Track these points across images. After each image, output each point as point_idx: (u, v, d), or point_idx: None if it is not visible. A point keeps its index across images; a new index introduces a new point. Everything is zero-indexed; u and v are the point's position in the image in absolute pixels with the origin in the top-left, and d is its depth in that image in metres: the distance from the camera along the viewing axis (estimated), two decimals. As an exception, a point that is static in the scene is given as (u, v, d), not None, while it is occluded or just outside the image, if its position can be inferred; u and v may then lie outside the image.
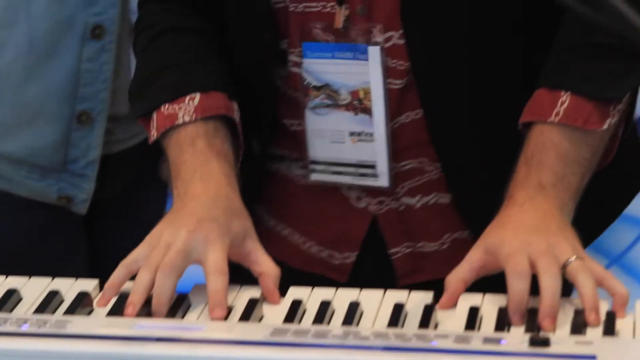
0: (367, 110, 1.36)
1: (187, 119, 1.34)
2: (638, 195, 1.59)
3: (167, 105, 1.35)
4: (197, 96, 1.35)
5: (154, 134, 1.37)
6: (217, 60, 1.42)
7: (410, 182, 1.41)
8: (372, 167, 1.39)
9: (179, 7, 1.46)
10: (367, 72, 1.34)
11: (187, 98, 1.35)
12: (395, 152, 1.38)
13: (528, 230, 1.18)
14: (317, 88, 1.39)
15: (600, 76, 1.27)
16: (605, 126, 1.28)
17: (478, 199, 1.38)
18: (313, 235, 1.48)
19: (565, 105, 1.26)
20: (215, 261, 1.20)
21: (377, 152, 1.38)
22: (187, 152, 1.32)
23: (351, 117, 1.38)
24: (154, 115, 1.37)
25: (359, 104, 1.37)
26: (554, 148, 1.25)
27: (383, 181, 1.39)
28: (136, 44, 1.50)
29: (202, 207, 1.27)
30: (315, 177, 1.43)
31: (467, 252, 1.22)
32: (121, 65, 1.87)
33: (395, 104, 1.35)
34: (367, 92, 1.35)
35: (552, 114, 1.26)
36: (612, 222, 1.54)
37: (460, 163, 1.39)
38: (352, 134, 1.39)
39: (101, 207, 1.97)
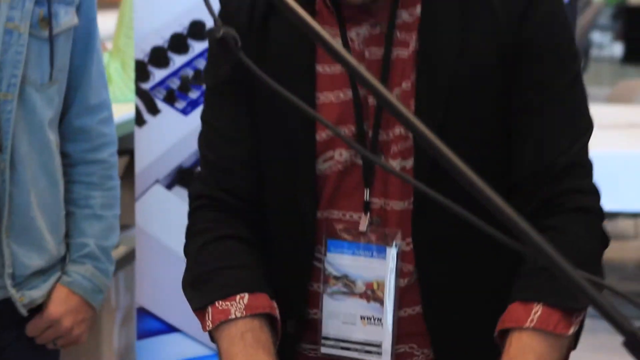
0: (379, 300, 1.62)
1: (238, 314, 1.56)
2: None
3: (221, 302, 1.58)
4: (246, 296, 1.58)
5: (209, 325, 1.59)
6: (259, 265, 1.66)
7: None
8: (379, 346, 1.63)
9: (228, 217, 1.68)
10: (382, 268, 1.61)
11: (238, 297, 1.58)
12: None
13: None
14: (336, 278, 1.65)
15: (565, 291, 1.42)
16: (571, 332, 1.53)
17: None
18: None
19: (539, 313, 1.50)
20: None
21: (385, 334, 1.62)
22: (239, 345, 1.55)
23: (364, 304, 1.64)
24: (209, 309, 1.59)
25: (372, 294, 1.63)
26: (533, 351, 1.48)
27: (386, 359, 1.64)
28: (189, 244, 1.71)
29: None
30: (325, 350, 1.66)
31: None
32: None
33: (398, 299, 1.62)
34: (380, 284, 1.62)
35: (527, 320, 1.49)
36: None
37: (451, 350, 1.63)
38: (362, 317, 1.64)
39: None
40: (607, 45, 15.41)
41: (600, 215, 1.59)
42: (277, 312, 1.60)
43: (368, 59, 1.58)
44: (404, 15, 1.57)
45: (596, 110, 1.75)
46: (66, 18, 1.97)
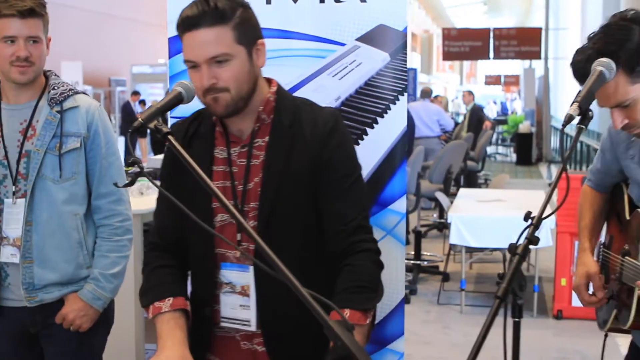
0: (248, 295, 2.49)
1: (166, 309, 2.44)
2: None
3: (156, 303, 2.46)
4: (171, 299, 2.46)
5: (150, 315, 2.48)
6: (181, 280, 2.59)
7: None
8: (249, 321, 2.50)
9: (163, 254, 2.60)
10: (248, 277, 2.49)
11: (166, 300, 2.46)
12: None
13: None
14: (226, 284, 2.52)
15: (361, 299, 2.36)
16: (367, 322, 2.37)
17: None
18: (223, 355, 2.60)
19: (347, 315, 2.30)
20: None
21: (252, 314, 2.49)
22: (166, 326, 2.41)
23: (241, 298, 2.50)
24: (150, 307, 2.47)
25: (244, 292, 2.49)
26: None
27: (253, 328, 2.51)
28: (144, 269, 2.61)
29: (168, 355, 2.33)
30: (223, 324, 2.54)
31: None
32: None
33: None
34: (247, 286, 2.48)
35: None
36: None
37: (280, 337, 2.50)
38: (241, 305, 2.50)
39: None
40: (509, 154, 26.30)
41: (377, 252, 2.49)
42: (189, 308, 2.49)
43: (239, 165, 2.48)
44: (259, 142, 2.47)
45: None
46: (72, 144, 3.17)
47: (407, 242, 10.40)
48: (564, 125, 2.17)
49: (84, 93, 3.30)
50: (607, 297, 2.77)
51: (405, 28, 3.45)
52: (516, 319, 2.09)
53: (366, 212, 2.54)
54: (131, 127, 2.10)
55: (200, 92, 2.34)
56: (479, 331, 1.92)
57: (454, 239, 7.44)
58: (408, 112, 12.43)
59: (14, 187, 3.13)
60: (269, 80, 2.54)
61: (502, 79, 46.28)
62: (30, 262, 3.13)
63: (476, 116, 17.94)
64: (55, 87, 3.19)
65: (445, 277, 8.71)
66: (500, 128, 30.21)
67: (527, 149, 23.35)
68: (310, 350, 2.44)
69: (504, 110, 41.30)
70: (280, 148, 2.45)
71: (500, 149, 29.44)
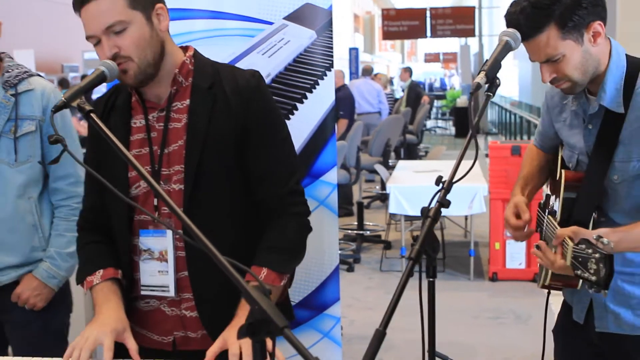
0: (166, 260, 2.45)
1: (96, 282, 2.45)
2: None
3: (88, 277, 2.47)
4: (101, 271, 2.47)
5: (86, 290, 2.48)
6: (108, 252, 2.53)
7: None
8: (167, 286, 2.46)
9: (90, 230, 2.59)
10: (166, 243, 2.44)
11: (96, 272, 2.47)
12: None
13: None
14: (145, 250, 2.47)
15: (280, 261, 2.40)
16: (282, 283, 2.41)
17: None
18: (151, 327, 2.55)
19: (265, 273, 2.36)
20: (108, 342, 2.27)
21: (170, 280, 2.45)
22: (100, 295, 2.43)
23: (159, 264, 2.46)
24: (85, 282, 2.48)
25: (162, 257, 2.45)
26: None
27: (172, 293, 2.47)
28: (77, 247, 2.62)
29: (104, 319, 2.34)
30: (143, 292, 2.50)
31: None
32: None
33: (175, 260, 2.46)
34: (165, 252, 2.44)
35: (259, 277, 2.08)
36: None
37: (208, 296, 2.45)
38: (159, 271, 2.46)
39: None
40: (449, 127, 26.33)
41: (307, 214, 2.51)
42: (120, 275, 2.47)
43: (157, 129, 2.43)
44: (177, 105, 2.42)
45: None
46: (27, 127, 3.05)
47: (351, 214, 10.45)
48: (472, 93, 2.15)
49: (39, 75, 3.16)
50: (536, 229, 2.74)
51: (331, 6, 3.43)
52: (430, 279, 2.08)
53: (297, 174, 2.51)
54: (54, 106, 2.05)
55: None
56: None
57: (393, 208, 7.48)
58: (349, 90, 12.45)
59: None
60: (185, 48, 2.49)
61: (441, 57, 46.52)
62: None
63: (414, 92, 17.97)
64: (10, 70, 3.07)
65: (387, 245, 8.76)
66: (439, 103, 30.41)
67: (464, 122, 23.46)
68: None
69: (442, 86, 41.46)
70: (201, 109, 2.40)
71: (440, 123, 29.62)
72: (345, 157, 8.81)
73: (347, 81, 17.01)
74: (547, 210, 2.67)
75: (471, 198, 7.19)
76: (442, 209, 2.10)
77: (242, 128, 2.39)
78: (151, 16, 2.33)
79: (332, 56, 3.46)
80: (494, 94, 2.19)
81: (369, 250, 8.98)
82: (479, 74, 2.18)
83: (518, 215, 2.65)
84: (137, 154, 2.44)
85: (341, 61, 28.86)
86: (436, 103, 30.17)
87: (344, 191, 10.08)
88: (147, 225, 2.46)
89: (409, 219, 8.08)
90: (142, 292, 2.49)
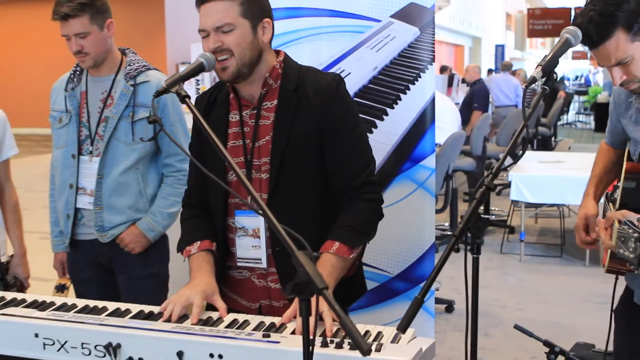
0: (258, 237, 2.64)
1: (194, 251, 2.65)
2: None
3: (187, 247, 2.67)
4: (198, 242, 2.66)
5: (185, 257, 2.69)
6: (206, 227, 2.72)
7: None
8: (260, 259, 2.65)
9: (192, 207, 2.80)
10: (258, 222, 2.63)
11: (195, 243, 2.66)
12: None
13: None
14: (239, 228, 2.66)
15: (351, 237, 2.50)
16: (352, 256, 2.51)
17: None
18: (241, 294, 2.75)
19: (337, 246, 2.48)
20: (198, 301, 2.44)
21: (262, 254, 2.64)
22: (195, 262, 2.63)
23: (252, 240, 2.65)
24: (184, 252, 2.68)
25: (255, 234, 2.64)
26: (330, 262, 2.45)
27: (264, 265, 2.66)
28: (180, 220, 2.83)
29: (196, 283, 2.52)
30: (239, 264, 2.69)
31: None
32: None
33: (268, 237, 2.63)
34: (258, 229, 2.63)
35: (331, 249, 2.47)
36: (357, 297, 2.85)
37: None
38: (253, 246, 2.65)
39: None
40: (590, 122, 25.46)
41: (379, 201, 2.62)
42: (214, 248, 2.67)
43: (250, 125, 2.62)
44: (267, 104, 2.60)
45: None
46: (142, 113, 3.40)
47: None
48: (527, 87, 2.25)
49: (156, 69, 3.53)
50: None
51: (433, 5, 3.57)
52: (474, 255, 2.18)
53: (371, 167, 2.63)
54: (155, 91, 2.27)
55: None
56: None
57: (513, 195, 7.52)
58: (484, 83, 12.32)
59: (91, 146, 3.42)
60: (278, 52, 2.67)
61: (588, 54, 45.01)
62: (100, 209, 3.45)
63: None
64: (131, 64, 3.45)
65: (511, 229, 8.78)
66: (581, 98, 29.66)
67: (604, 117, 22.87)
68: None
69: (587, 82, 40.25)
70: (286, 109, 2.57)
71: (582, 117, 28.90)
72: (471, 146, 8.88)
73: (483, 75, 16.88)
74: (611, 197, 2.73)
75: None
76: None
77: (321, 126, 2.55)
78: (257, 27, 2.53)
79: (433, 51, 3.60)
80: (550, 88, 2.27)
81: (493, 234, 9.00)
82: (535, 68, 2.26)
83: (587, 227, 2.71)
84: (232, 145, 2.65)
85: (490, 57, 28.60)
86: (579, 98, 29.41)
87: (474, 177, 10.12)
88: (241, 206, 2.66)
89: (529, 205, 8.07)
90: (238, 264, 2.70)
